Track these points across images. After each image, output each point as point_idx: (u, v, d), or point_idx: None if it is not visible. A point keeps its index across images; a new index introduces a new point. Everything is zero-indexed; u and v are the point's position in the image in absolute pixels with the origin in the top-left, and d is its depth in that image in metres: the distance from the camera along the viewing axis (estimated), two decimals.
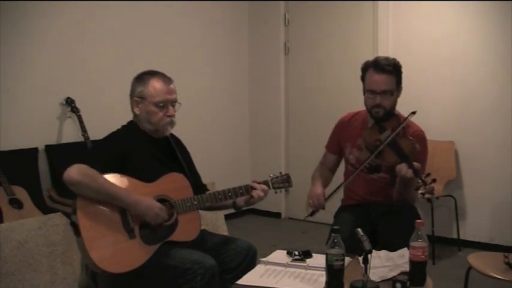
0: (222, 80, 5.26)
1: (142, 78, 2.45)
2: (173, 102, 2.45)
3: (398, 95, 2.73)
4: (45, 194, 3.69)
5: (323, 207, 2.75)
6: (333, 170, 3.01)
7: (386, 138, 2.60)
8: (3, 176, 3.36)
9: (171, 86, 2.45)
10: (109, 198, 2.22)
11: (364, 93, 2.74)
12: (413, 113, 2.62)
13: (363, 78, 2.75)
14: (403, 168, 2.46)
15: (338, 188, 2.77)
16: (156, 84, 2.41)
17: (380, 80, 2.65)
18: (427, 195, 2.35)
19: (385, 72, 2.65)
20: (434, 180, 2.36)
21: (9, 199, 3.33)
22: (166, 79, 2.46)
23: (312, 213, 2.76)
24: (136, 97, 2.44)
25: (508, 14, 4.09)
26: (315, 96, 5.15)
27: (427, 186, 2.33)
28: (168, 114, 2.42)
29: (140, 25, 4.43)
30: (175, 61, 4.53)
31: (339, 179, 2.98)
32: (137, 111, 2.45)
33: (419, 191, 2.36)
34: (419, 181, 2.38)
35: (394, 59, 2.73)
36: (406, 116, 2.65)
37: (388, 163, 2.63)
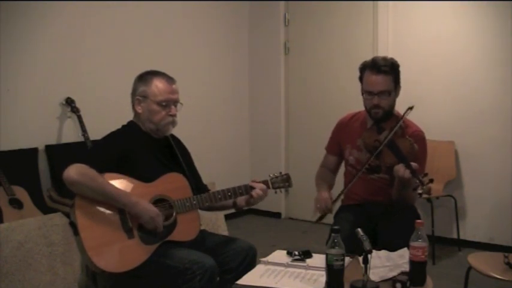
0: (222, 80, 5.26)
1: (145, 77, 2.46)
2: (175, 102, 2.46)
3: (396, 95, 2.73)
4: (45, 194, 3.69)
5: (330, 211, 2.75)
6: (334, 171, 3.00)
7: (384, 138, 2.60)
8: (3, 176, 3.36)
9: (174, 86, 2.46)
10: (107, 198, 2.21)
11: (362, 94, 2.74)
12: (410, 108, 2.60)
13: (360, 79, 2.75)
14: (400, 169, 2.46)
15: (343, 191, 2.78)
16: (159, 84, 2.42)
17: (377, 81, 2.65)
18: (424, 195, 2.37)
19: (382, 73, 2.65)
20: (431, 181, 2.36)
21: (9, 199, 3.33)
22: (169, 79, 2.47)
23: (321, 218, 2.77)
24: (139, 96, 2.44)
25: (508, 14, 4.09)
26: (315, 96, 5.15)
27: (424, 187, 2.34)
28: (170, 113, 2.43)
29: (140, 25, 4.43)
30: (175, 61, 4.53)
31: (339, 179, 2.98)
32: (139, 109, 2.45)
33: (417, 191, 2.36)
34: (417, 181, 2.38)
35: (391, 59, 2.72)
36: (403, 113, 2.64)
37: (387, 164, 2.63)
